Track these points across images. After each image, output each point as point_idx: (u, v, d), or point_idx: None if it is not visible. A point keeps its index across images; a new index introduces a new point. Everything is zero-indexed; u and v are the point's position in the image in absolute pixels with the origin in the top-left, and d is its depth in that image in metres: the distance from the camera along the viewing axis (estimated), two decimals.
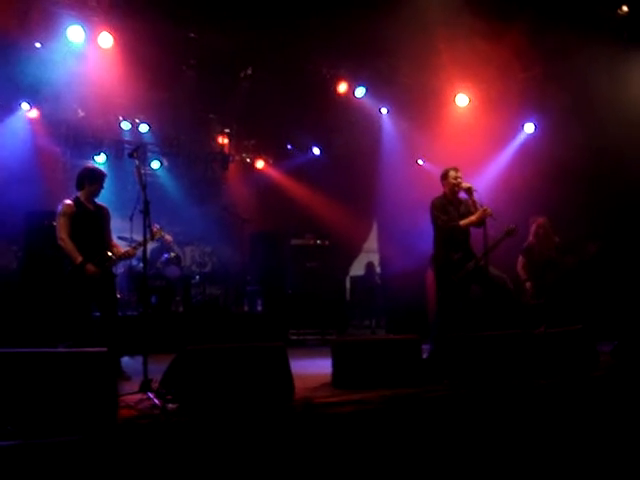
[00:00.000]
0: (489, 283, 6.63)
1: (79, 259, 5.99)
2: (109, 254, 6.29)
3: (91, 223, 6.25)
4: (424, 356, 6.13)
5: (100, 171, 6.45)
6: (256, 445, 4.01)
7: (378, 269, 13.86)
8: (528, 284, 8.31)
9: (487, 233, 6.62)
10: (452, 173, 6.88)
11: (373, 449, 4.20)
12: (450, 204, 6.86)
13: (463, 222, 6.69)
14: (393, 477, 3.98)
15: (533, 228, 8.55)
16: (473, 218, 6.63)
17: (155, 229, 6.07)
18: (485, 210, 6.56)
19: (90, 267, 6.02)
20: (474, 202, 6.74)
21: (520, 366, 5.91)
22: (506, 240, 6.75)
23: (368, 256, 14.44)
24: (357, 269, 14.38)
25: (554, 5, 8.38)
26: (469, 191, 6.74)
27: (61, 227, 6.08)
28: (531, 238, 8.56)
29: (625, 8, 8.67)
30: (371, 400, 4.91)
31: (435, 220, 6.81)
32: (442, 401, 5.13)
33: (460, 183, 6.80)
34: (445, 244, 6.73)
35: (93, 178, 6.32)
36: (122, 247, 6.71)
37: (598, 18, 8.61)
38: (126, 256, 6.47)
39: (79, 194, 6.32)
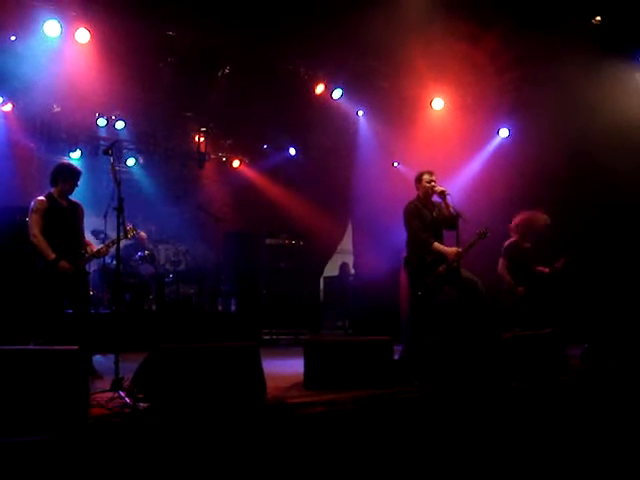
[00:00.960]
0: (461, 286, 6.68)
1: (52, 256, 5.96)
2: (82, 251, 6.26)
3: (64, 220, 6.21)
4: (395, 357, 6.17)
5: (75, 169, 6.40)
6: (227, 445, 4.02)
7: (352, 270, 13.91)
8: (520, 289, 8.26)
9: (459, 236, 6.66)
10: (426, 177, 6.91)
11: (344, 450, 4.23)
12: (424, 207, 6.89)
13: (436, 245, 6.70)
14: (364, 477, 4.01)
15: (513, 226, 8.49)
16: (446, 250, 6.66)
17: (129, 227, 6.04)
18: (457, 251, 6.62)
19: (63, 264, 5.98)
20: (447, 205, 6.78)
21: (490, 369, 5.97)
22: (480, 243, 6.80)
23: (342, 257, 14.50)
24: (331, 270, 14.40)
25: (530, 11, 8.48)
26: (442, 194, 6.77)
27: (33, 224, 6.05)
28: (513, 235, 8.47)
29: (598, 18, 8.83)
30: (342, 401, 4.93)
31: (409, 225, 6.84)
32: (413, 402, 5.17)
33: (434, 187, 6.83)
34: (418, 247, 6.77)
35: (67, 176, 6.28)
36: (95, 244, 6.68)
37: (573, 26, 8.73)
38: (99, 254, 6.43)
39: (52, 190, 6.27)
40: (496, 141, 11.13)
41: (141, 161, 13.20)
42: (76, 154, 11.95)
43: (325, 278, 14.12)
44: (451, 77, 10.27)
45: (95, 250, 6.35)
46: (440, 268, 6.68)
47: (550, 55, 9.04)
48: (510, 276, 8.28)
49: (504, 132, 11.06)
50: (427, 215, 6.86)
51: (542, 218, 8.40)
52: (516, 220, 8.47)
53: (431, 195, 6.91)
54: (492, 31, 8.85)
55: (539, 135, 9.88)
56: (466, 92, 10.78)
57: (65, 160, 6.79)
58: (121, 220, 5.43)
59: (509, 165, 10.34)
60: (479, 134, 10.87)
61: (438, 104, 10.98)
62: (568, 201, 9.38)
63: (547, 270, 8.32)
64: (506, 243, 8.43)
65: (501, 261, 8.39)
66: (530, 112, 10.04)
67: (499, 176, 10.34)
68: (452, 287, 6.77)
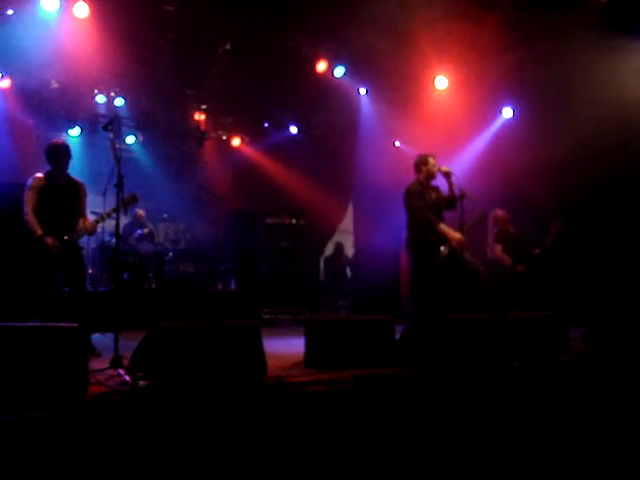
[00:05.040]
0: (463, 268, 6.65)
1: (39, 232, 5.95)
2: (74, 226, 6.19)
3: (60, 198, 6.16)
4: (397, 337, 6.15)
5: (62, 145, 6.34)
6: (227, 424, 4.00)
7: (351, 250, 13.89)
8: (520, 266, 8.39)
9: (464, 216, 6.63)
10: (432, 160, 6.82)
11: (344, 429, 4.21)
12: (425, 189, 6.83)
13: (442, 227, 6.64)
14: (364, 457, 3.99)
15: (490, 220, 8.70)
16: (451, 235, 6.59)
17: (128, 196, 5.85)
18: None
19: (49, 240, 5.95)
20: (452, 185, 6.73)
21: (492, 349, 5.95)
22: (477, 227, 6.81)
23: (343, 237, 14.46)
24: (332, 249, 14.39)
25: None
26: (448, 174, 6.72)
27: (27, 201, 6.06)
28: (495, 228, 8.80)
29: None
30: (343, 380, 4.91)
31: (412, 206, 6.76)
32: (414, 382, 5.15)
33: (439, 167, 6.77)
34: (422, 227, 6.71)
35: (57, 153, 6.23)
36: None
37: (579, 3, 8.61)
38: (87, 230, 6.29)
39: (52, 168, 6.23)
40: (500, 121, 11.03)
41: (140, 139, 13.15)
42: (75, 131, 11.90)
43: (326, 258, 14.11)
44: (455, 55, 10.15)
45: (84, 225, 6.22)
46: (442, 249, 6.64)
47: (555, 34, 8.91)
48: (509, 257, 8.39)
49: (508, 112, 10.96)
50: (429, 196, 6.80)
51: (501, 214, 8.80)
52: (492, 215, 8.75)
53: (433, 178, 6.83)
54: (496, 9, 8.75)
55: (541, 115, 9.81)
56: (470, 70, 10.66)
57: (55, 139, 6.70)
58: (121, 197, 5.38)
59: (510, 145, 10.26)
60: (482, 113, 10.78)
61: (441, 83, 10.87)
62: (572, 183, 9.30)
63: (548, 241, 8.40)
64: (495, 231, 8.63)
65: (496, 247, 8.54)
66: (535, 92, 9.94)
67: (500, 156, 10.26)
68: (453, 269, 6.74)
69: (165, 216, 12.40)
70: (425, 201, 6.73)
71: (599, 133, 8.68)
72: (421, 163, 6.87)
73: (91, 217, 6.79)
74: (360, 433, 4.21)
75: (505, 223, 8.82)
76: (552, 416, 4.85)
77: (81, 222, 6.25)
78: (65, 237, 6.09)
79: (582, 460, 4.10)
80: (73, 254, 6.20)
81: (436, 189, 6.89)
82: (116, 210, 5.55)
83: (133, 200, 6.09)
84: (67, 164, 6.29)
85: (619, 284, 8.81)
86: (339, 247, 14.19)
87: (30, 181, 6.11)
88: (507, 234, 8.68)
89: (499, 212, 8.83)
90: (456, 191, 6.69)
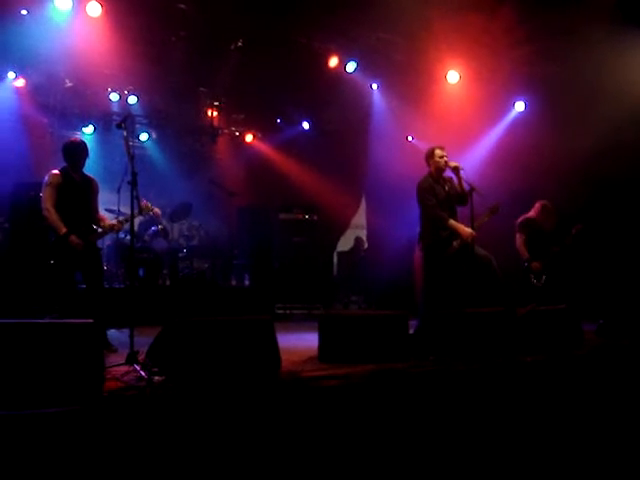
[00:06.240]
0: (475, 262, 6.65)
1: (63, 230, 5.97)
2: (94, 227, 6.27)
3: (77, 194, 6.20)
4: (410, 332, 6.16)
5: (79, 142, 6.39)
6: (242, 418, 4.03)
7: (364, 245, 13.90)
8: (535, 264, 8.25)
9: (474, 211, 6.61)
10: (438, 152, 6.81)
11: (358, 423, 4.23)
12: (437, 183, 6.81)
13: (452, 223, 6.66)
14: (378, 451, 4.01)
15: (537, 205, 8.48)
16: (462, 231, 6.62)
17: (144, 204, 6.02)
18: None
19: (74, 238, 5.98)
20: (461, 180, 6.73)
21: (505, 343, 5.96)
22: (492, 218, 6.76)
23: (356, 232, 14.46)
24: (345, 244, 14.40)
25: None
26: (456, 170, 6.72)
27: (47, 197, 6.06)
28: (532, 213, 8.49)
29: None
30: (357, 374, 4.94)
31: (423, 202, 6.78)
32: (428, 376, 5.17)
33: (447, 162, 6.76)
34: (433, 222, 6.72)
35: (75, 151, 6.28)
36: (109, 219, 6.67)
37: None
38: (112, 230, 6.44)
39: (67, 165, 6.28)
40: (512, 114, 10.99)
41: (154, 136, 13.20)
42: (89, 129, 11.96)
43: (339, 253, 14.11)
44: (467, 49, 10.11)
45: (108, 225, 6.35)
46: (455, 243, 6.64)
47: (567, 28, 8.86)
48: (527, 250, 8.28)
49: (520, 105, 10.92)
50: (440, 191, 6.80)
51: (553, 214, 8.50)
52: (542, 202, 8.46)
53: (443, 170, 6.83)
54: (508, 3, 8.70)
55: (556, 110, 9.75)
56: (482, 65, 10.61)
57: (72, 137, 6.76)
58: (135, 194, 5.42)
59: (523, 139, 10.22)
60: (495, 107, 10.74)
61: (453, 77, 10.83)
62: (586, 177, 9.26)
63: (568, 241, 8.28)
64: (521, 218, 8.41)
65: (518, 236, 8.38)
66: (547, 86, 9.90)
67: (513, 150, 10.22)
68: (465, 263, 6.74)
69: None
70: (436, 197, 6.73)
71: (614, 127, 8.63)
72: (428, 156, 6.89)
73: (105, 214, 6.87)
74: (374, 427, 4.23)
75: (546, 216, 8.45)
76: (567, 410, 4.85)
77: (102, 223, 6.34)
78: (90, 237, 6.16)
79: (596, 454, 4.10)
80: (92, 252, 6.26)
81: (449, 181, 6.88)
82: (132, 216, 5.60)
83: (147, 209, 6.19)
84: (84, 162, 6.34)
85: (633, 278, 8.78)
86: (359, 242, 14.20)
87: (47, 178, 6.13)
88: (536, 226, 8.39)
89: (545, 203, 8.48)
90: (465, 186, 6.69)
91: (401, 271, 10.71)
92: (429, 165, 6.88)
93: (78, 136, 9.95)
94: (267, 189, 13.07)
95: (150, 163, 12.70)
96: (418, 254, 7.45)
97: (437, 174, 6.85)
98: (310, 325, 7.05)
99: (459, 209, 6.91)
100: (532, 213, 8.44)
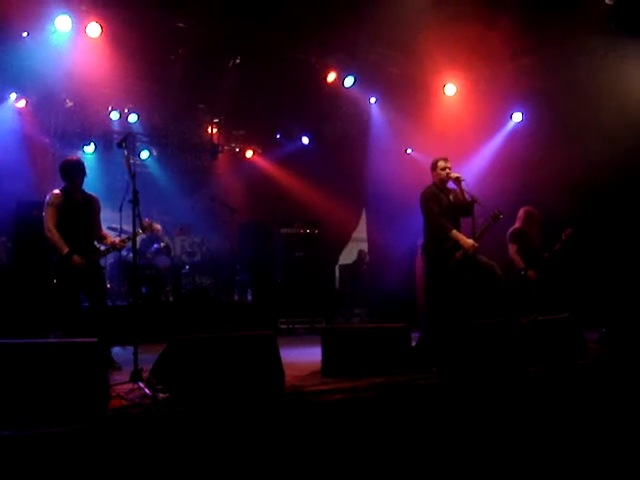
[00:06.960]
0: (478, 271, 6.68)
1: (65, 250, 5.99)
2: (97, 246, 6.30)
3: (78, 214, 6.23)
4: (413, 344, 6.17)
5: (75, 161, 6.38)
6: (247, 434, 4.04)
7: (365, 258, 13.92)
8: (531, 272, 8.26)
9: (475, 221, 6.66)
10: (441, 163, 6.95)
11: (363, 437, 4.24)
12: (441, 192, 6.92)
13: (454, 233, 6.72)
14: (384, 464, 4.02)
15: (521, 214, 8.53)
16: (464, 242, 6.66)
17: (146, 223, 6.07)
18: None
19: (76, 258, 6.01)
20: (462, 191, 6.81)
21: (508, 354, 5.96)
22: (493, 226, 6.79)
23: (357, 245, 14.48)
24: (346, 258, 14.41)
25: None
26: (457, 181, 6.81)
27: (48, 217, 6.08)
28: (517, 224, 8.53)
29: None
30: (361, 388, 4.94)
31: (427, 210, 6.84)
32: (431, 388, 5.17)
33: (449, 173, 6.86)
34: (436, 232, 6.78)
35: (72, 170, 6.28)
36: (112, 237, 6.69)
37: (585, 7, 8.61)
38: (115, 248, 6.46)
39: (67, 185, 6.31)
40: (509, 126, 11.05)
41: (155, 154, 13.26)
42: (90, 148, 12.02)
43: (340, 266, 14.13)
44: (463, 62, 10.19)
45: (110, 243, 6.38)
46: (457, 254, 6.68)
47: (563, 38, 8.93)
48: (521, 260, 8.30)
49: (517, 116, 10.98)
50: (444, 200, 6.88)
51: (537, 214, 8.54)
52: (525, 208, 8.51)
53: (446, 181, 6.94)
54: (504, 15, 8.76)
55: (551, 120, 9.80)
56: (479, 77, 10.69)
57: (69, 156, 6.79)
58: (137, 212, 5.45)
59: (521, 150, 10.27)
60: (492, 119, 10.80)
61: (450, 90, 10.91)
62: (585, 186, 9.27)
63: (557, 246, 8.29)
64: (511, 229, 8.47)
65: (510, 246, 8.42)
66: (544, 96, 9.95)
67: (511, 161, 10.27)
68: (469, 273, 6.77)
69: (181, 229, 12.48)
70: (439, 205, 6.81)
71: (613, 137, 8.66)
72: (432, 167, 7.05)
73: (108, 232, 6.90)
74: (379, 441, 4.24)
75: (531, 222, 8.49)
76: (570, 420, 4.85)
77: (105, 241, 6.37)
78: (93, 255, 6.19)
79: (600, 462, 4.11)
80: (95, 271, 6.28)
81: (453, 192, 6.96)
82: (134, 234, 5.62)
83: (149, 227, 6.23)
84: (82, 180, 6.34)
85: (635, 286, 8.78)
86: (362, 255, 14.22)
87: (48, 198, 6.15)
88: (527, 235, 8.43)
89: (528, 209, 8.53)
90: (467, 197, 6.75)
91: (403, 283, 10.73)
92: (433, 176, 7.00)
93: (79, 155, 10.02)
94: (268, 204, 13.12)
95: (151, 180, 12.76)
96: (420, 266, 7.48)
97: (441, 185, 6.95)
98: (313, 339, 7.06)
99: (463, 219, 6.96)
100: (517, 224, 8.51)
